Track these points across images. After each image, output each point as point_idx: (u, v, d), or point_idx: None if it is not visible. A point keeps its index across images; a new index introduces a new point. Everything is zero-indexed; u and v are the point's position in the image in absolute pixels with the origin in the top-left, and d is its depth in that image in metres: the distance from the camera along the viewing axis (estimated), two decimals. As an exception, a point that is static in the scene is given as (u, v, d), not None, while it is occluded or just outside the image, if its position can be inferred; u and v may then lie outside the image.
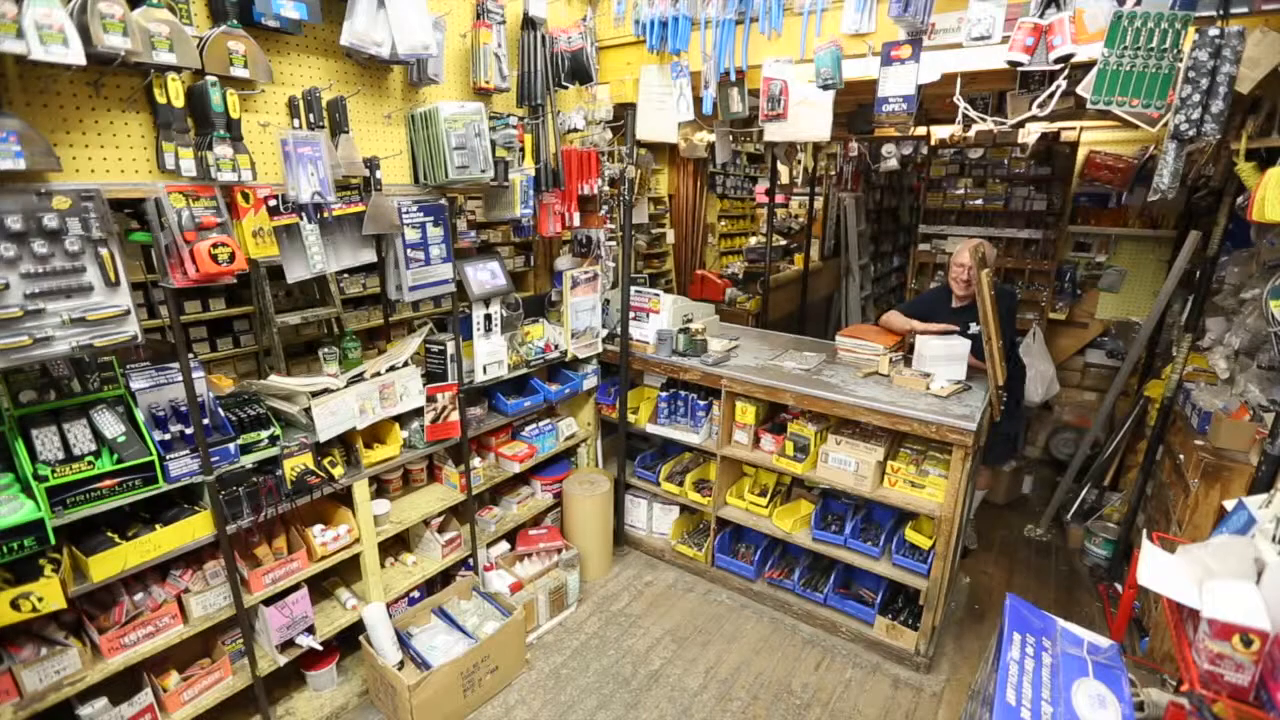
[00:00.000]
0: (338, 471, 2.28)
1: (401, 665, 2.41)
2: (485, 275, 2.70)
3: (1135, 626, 2.94)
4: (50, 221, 1.52)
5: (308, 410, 2.19)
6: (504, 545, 3.14)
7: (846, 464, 2.78)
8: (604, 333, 3.42)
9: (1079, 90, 1.92)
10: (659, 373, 3.36)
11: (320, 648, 2.35)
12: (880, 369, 2.99)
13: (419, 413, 2.55)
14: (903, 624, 2.81)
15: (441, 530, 2.84)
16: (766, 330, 4.22)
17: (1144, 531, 1.92)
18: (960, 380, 2.82)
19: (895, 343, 3.15)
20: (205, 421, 1.94)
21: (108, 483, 1.75)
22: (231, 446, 2.00)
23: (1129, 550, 3.33)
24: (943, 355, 2.85)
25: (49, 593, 1.66)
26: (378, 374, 2.39)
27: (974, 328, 3.01)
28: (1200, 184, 3.41)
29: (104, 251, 1.60)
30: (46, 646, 1.78)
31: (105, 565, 1.79)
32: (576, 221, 3.04)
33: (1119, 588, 3.19)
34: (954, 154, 4.94)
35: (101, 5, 1.45)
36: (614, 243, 3.43)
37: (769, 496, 3.14)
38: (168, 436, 1.87)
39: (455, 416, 2.63)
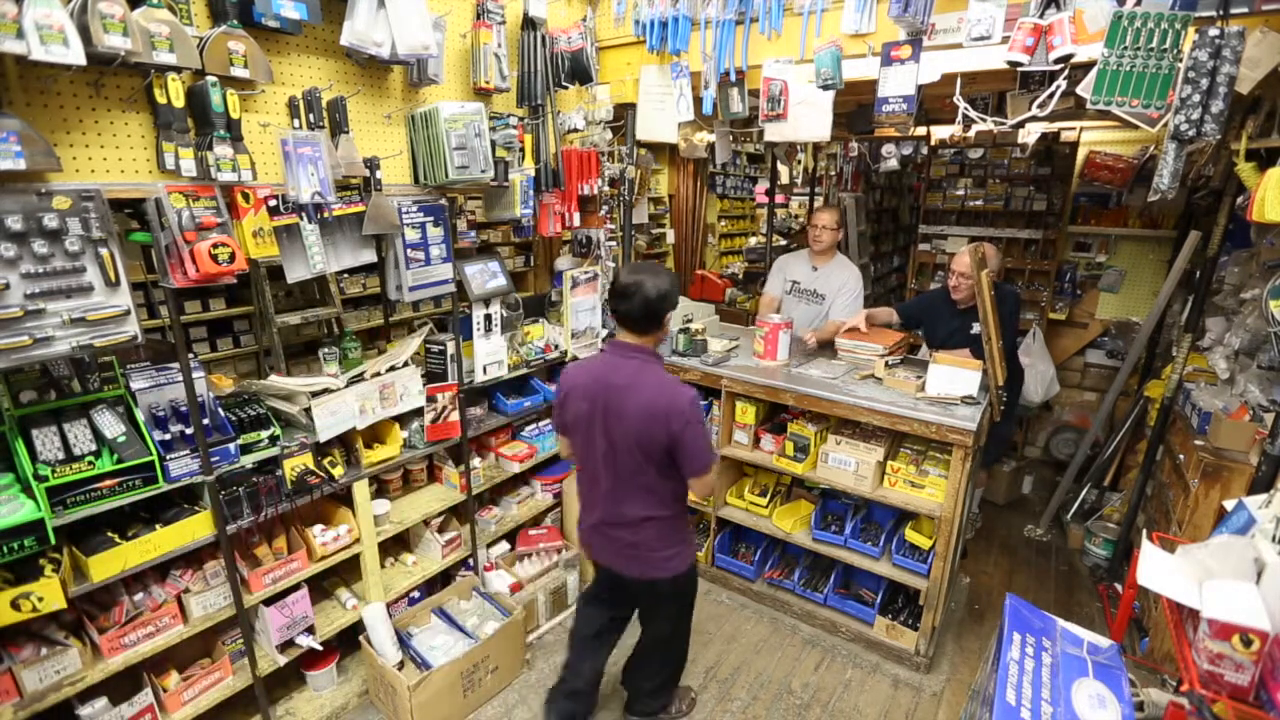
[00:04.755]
0: (338, 471, 2.28)
1: (401, 665, 2.41)
2: (485, 275, 2.70)
3: (1135, 626, 2.94)
4: (50, 221, 1.52)
5: (308, 410, 2.20)
6: (504, 545, 3.14)
7: (846, 464, 2.78)
8: (604, 333, 3.42)
9: (1079, 90, 1.92)
10: (659, 373, 3.36)
11: (320, 648, 2.35)
12: (875, 372, 2.98)
13: (419, 413, 2.55)
14: (903, 624, 2.81)
15: (441, 530, 2.84)
16: (766, 330, 4.20)
17: (1144, 531, 1.92)
18: (965, 393, 2.69)
19: (895, 343, 3.14)
20: (205, 421, 1.94)
21: (108, 483, 1.75)
22: (231, 446, 2.00)
23: (1129, 550, 3.33)
24: (947, 379, 2.74)
25: (49, 593, 1.66)
26: (378, 374, 2.39)
27: (976, 328, 3.01)
28: (1200, 184, 3.41)
29: (104, 251, 1.60)
30: (46, 646, 1.78)
31: (105, 565, 1.79)
32: (576, 221, 3.04)
33: (1119, 588, 3.18)
34: (954, 154, 4.94)
35: (102, 5, 1.45)
36: (614, 243, 3.43)
37: (769, 496, 3.14)
38: (168, 436, 1.87)
39: (455, 416, 2.63)
